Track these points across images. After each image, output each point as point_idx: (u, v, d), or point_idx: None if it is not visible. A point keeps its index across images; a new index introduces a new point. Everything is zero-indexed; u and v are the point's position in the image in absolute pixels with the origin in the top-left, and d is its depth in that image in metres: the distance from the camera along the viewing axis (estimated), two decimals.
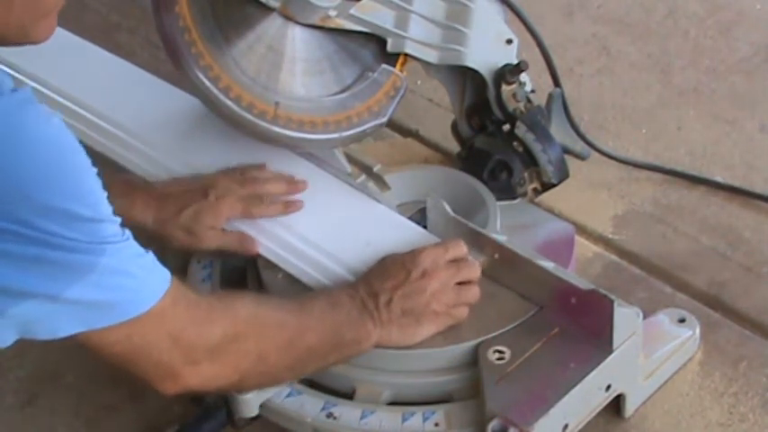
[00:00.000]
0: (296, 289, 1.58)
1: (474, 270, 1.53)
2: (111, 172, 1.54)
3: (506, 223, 1.67)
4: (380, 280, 1.50)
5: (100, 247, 1.16)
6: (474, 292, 1.52)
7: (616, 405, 1.55)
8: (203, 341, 1.29)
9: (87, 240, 1.15)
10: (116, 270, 1.18)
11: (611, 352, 1.47)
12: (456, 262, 1.53)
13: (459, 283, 1.52)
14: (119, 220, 1.20)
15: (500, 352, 1.48)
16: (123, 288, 1.20)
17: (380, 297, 1.48)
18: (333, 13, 1.63)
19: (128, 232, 1.21)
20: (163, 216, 1.58)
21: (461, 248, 1.54)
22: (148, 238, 1.50)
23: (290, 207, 1.65)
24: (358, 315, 1.46)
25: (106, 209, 1.18)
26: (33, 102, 1.13)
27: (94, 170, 1.17)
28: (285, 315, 1.40)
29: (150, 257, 1.24)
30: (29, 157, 1.11)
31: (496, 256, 1.57)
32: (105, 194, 1.18)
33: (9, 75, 1.15)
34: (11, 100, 1.12)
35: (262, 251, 1.62)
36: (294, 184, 1.67)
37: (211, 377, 1.32)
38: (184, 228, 1.59)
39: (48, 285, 1.15)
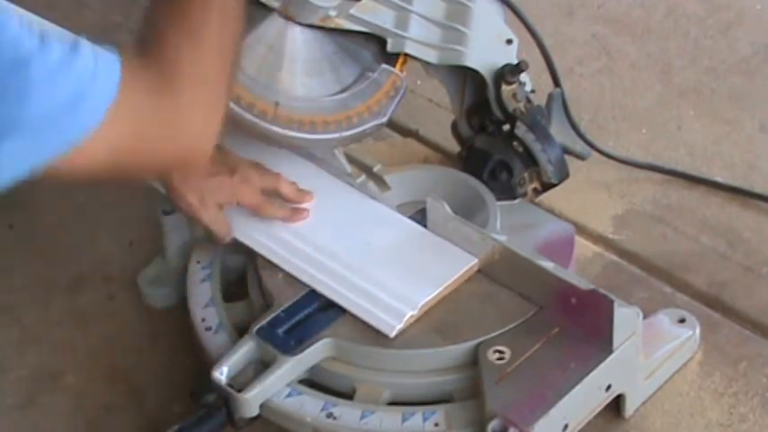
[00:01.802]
0: (296, 289, 1.58)
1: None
2: None
3: (506, 223, 1.67)
4: None
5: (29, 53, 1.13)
6: None
7: (616, 405, 1.55)
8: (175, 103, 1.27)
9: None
10: (58, 69, 1.15)
11: (611, 352, 1.47)
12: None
13: None
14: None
15: (500, 352, 1.48)
16: (79, 80, 1.17)
17: None
18: (333, 13, 1.63)
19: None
20: (189, 173, 1.60)
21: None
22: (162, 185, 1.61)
23: (296, 215, 1.66)
24: None
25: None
26: None
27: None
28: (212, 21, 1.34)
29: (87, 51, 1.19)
30: None
31: (496, 256, 1.57)
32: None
33: None
34: None
35: (262, 251, 1.63)
36: (302, 193, 1.68)
37: (208, 124, 1.31)
38: (200, 193, 1.61)
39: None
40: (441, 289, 1.56)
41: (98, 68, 1.19)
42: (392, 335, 1.50)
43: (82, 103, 1.17)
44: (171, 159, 1.33)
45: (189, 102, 1.29)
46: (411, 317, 1.52)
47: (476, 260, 1.59)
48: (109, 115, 1.19)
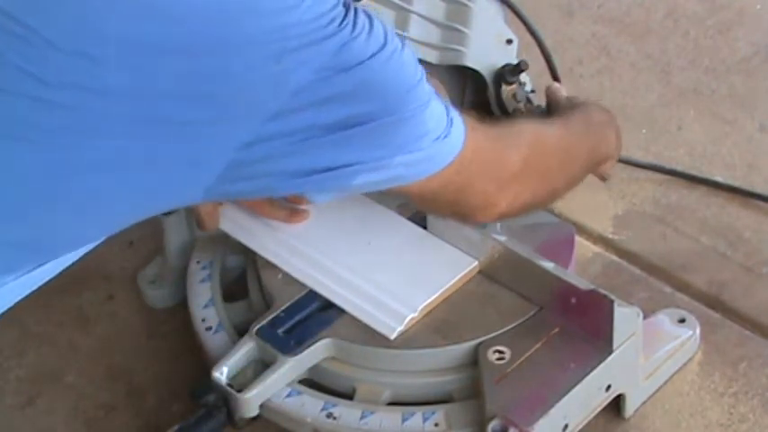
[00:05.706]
0: (296, 289, 1.58)
1: None
2: None
3: (506, 223, 1.67)
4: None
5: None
6: None
7: (616, 405, 1.55)
8: (508, 168, 1.40)
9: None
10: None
11: (611, 352, 1.47)
12: None
13: None
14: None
15: (500, 352, 1.48)
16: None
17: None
18: None
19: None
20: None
21: None
22: None
23: (295, 216, 1.66)
24: (602, 131, 1.62)
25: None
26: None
27: None
28: (559, 134, 1.51)
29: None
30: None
31: (496, 256, 1.57)
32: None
33: None
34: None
35: (261, 251, 1.63)
36: (301, 197, 1.68)
37: (514, 200, 1.43)
38: None
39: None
40: (441, 291, 1.56)
41: (453, 121, 1.31)
42: (392, 337, 1.50)
43: (436, 147, 1.28)
44: (477, 203, 1.42)
45: (504, 189, 1.42)
46: (411, 319, 1.52)
47: (476, 262, 1.59)
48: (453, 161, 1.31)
